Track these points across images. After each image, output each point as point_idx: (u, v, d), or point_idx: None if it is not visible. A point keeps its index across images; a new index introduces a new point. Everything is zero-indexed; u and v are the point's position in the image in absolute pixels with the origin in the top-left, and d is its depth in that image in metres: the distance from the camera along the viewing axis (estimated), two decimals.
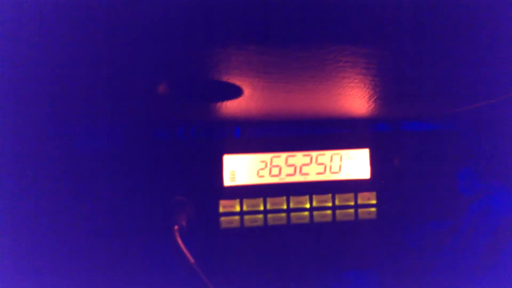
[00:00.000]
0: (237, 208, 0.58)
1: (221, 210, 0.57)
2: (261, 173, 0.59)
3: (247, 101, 0.40)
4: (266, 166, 0.59)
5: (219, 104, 0.42)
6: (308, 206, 0.59)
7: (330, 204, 0.59)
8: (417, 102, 0.51)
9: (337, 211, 0.59)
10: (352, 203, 0.59)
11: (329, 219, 0.59)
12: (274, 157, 0.59)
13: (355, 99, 0.40)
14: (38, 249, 0.51)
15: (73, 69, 0.30)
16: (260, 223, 0.58)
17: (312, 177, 0.59)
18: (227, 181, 0.58)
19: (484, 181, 0.59)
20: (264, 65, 0.28)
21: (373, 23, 0.22)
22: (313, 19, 0.21)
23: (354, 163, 0.59)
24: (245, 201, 0.58)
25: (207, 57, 0.27)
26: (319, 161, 0.59)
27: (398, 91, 0.41)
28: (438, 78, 0.37)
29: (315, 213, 0.59)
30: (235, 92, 0.35)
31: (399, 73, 0.33)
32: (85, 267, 0.52)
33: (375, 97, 0.39)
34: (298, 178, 0.59)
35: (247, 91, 0.35)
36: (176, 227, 0.48)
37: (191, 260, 0.45)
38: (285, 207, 0.59)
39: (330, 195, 0.59)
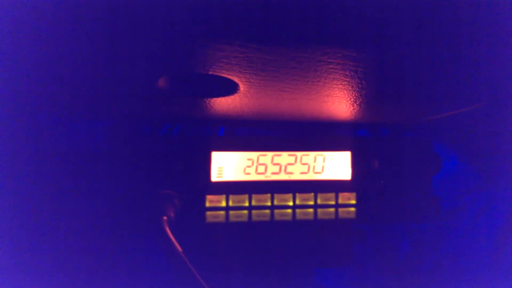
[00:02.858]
0: (223, 204, 0.60)
1: (207, 204, 0.59)
2: (247, 170, 0.61)
3: (241, 97, 0.42)
4: (252, 164, 0.61)
5: (212, 100, 0.44)
6: (291, 204, 0.61)
7: (312, 203, 0.62)
8: (398, 108, 0.54)
9: (319, 210, 0.62)
10: (333, 203, 0.62)
11: (311, 217, 0.62)
12: (261, 155, 0.61)
13: (342, 101, 0.43)
14: (28, 246, 0.52)
15: (64, 66, 0.32)
16: (244, 218, 0.60)
17: (296, 176, 0.62)
18: (215, 177, 0.60)
19: (461, 185, 0.63)
20: (262, 62, 0.30)
21: (365, 28, 0.25)
22: (312, 20, 0.24)
23: (336, 165, 0.62)
24: (231, 197, 0.60)
25: (204, 52, 0.29)
26: (303, 161, 0.62)
27: (382, 95, 0.44)
28: (420, 85, 0.41)
29: (297, 211, 0.61)
30: (231, 88, 0.37)
31: (384, 78, 0.36)
32: (76, 259, 0.53)
33: (360, 100, 0.42)
34: (283, 176, 0.61)
35: (242, 87, 0.37)
36: (164, 217, 0.50)
37: (179, 248, 0.46)
38: (269, 204, 0.61)
39: (312, 194, 0.62)
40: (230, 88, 0.38)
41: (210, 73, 0.34)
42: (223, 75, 0.34)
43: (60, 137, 0.57)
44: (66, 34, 0.26)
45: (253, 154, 0.61)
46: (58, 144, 0.56)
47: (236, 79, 0.35)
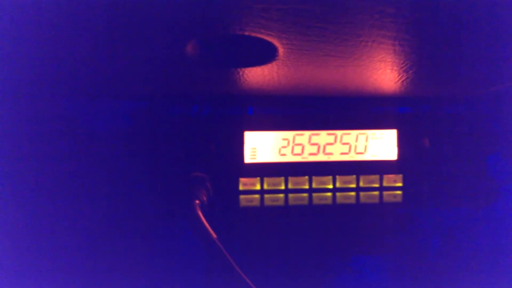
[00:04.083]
0: (258, 187, 0.56)
1: (241, 187, 0.55)
2: (283, 151, 0.56)
3: (279, 66, 0.37)
4: (288, 144, 0.57)
5: (247, 71, 0.40)
6: (331, 187, 0.57)
7: (354, 186, 0.57)
8: (448, 83, 0.48)
9: (361, 193, 0.57)
10: (377, 185, 0.57)
11: (353, 201, 0.57)
12: (297, 135, 0.56)
13: (394, 68, 0.37)
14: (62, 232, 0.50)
15: (81, 37, 0.28)
16: (280, 202, 0.56)
17: (336, 157, 0.57)
18: (248, 159, 0.56)
19: None
20: (308, 17, 0.26)
21: None
22: None
23: (380, 144, 0.57)
24: (265, 179, 0.56)
25: (241, 4, 0.24)
26: (344, 140, 0.57)
27: (434, 66, 0.38)
28: (472, 58, 0.35)
29: (338, 194, 0.57)
30: (270, 53, 0.33)
31: (443, 40, 0.31)
32: (108, 243, 0.51)
33: (410, 71, 0.37)
34: (321, 157, 0.57)
35: (282, 52, 0.33)
36: (197, 201, 0.46)
37: (213, 235, 0.43)
38: (307, 187, 0.56)
39: (354, 176, 0.57)
40: (268, 54, 0.33)
41: (247, 34, 0.29)
42: (262, 36, 0.29)
43: (86, 120, 0.54)
44: None
45: (289, 134, 0.56)
46: (84, 126, 0.54)
47: (276, 42, 0.31)
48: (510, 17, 0.26)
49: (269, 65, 0.37)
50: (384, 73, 0.39)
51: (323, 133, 0.57)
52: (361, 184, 0.57)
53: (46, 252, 0.50)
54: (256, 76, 0.42)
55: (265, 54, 0.33)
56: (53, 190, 0.51)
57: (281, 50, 0.32)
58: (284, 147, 0.56)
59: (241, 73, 0.41)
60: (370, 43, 0.30)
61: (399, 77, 0.41)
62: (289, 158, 0.56)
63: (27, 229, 0.50)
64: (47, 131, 0.52)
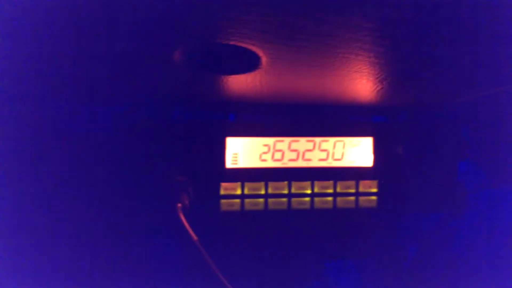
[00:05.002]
0: (238, 191, 0.57)
1: (222, 192, 0.56)
2: (263, 156, 0.58)
3: (262, 74, 0.39)
4: (269, 150, 0.58)
5: (230, 79, 0.41)
6: (309, 192, 0.58)
7: (331, 191, 0.59)
8: (421, 93, 0.51)
9: (338, 198, 0.59)
10: (353, 191, 0.59)
11: (330, 205, 0.59)
12: (278, 141, 0.58)
13: (371, 78, 0.40)
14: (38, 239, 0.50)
15: (67, 42, 0.29)
16: (260, 207, 0.57)
17: (315, 163, 0.59)
18: (229, 164, 0.57)
19: (487, 173, 0.59)
20: (292, 29, 0.27)
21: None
22: None
23: (356, 151, 0.59)
24: (246, 184, 0.57)
25: (228, 14, 0.26)
26: (322, 147, 0.59)
27: (408, 77, 0.41)
28: (444, 71, 0.37)
29: (316, 199, 0.59)
30: (253, 61, 0.34)
31: (410, 57, 0.33)
32: (88, 248, 0.51)
33: (390, 77, 0.39)
34: (300, 163, 0.58)
35: (266, 61, 0.34)
36: (179, 204, 0.47)
37: (194, 237, 0.44)
38: (286, 192, 0.58)
39: (331, 181, 0.59)
40: (252, 63, 0.35)
41: (232, 43, 0.31)
42: (246, 45, 0.31)
43: (68, 125, 0.54)
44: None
45: (270, 140, 0.58)
46: (66, 132, 0.54)
47: (259, 51, 0.32)
48: (484, 29, 0.28)
49: (252, 73, 0.38)
50: (361, 83, 0.42)
51: (302, 140, 0.59)
52: (338, 189, 0.59)
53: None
54: (239, 83, 0.43)
55: (249, 63, 0.35)
56: (36, 195, 0.51)
57: (264, 59, 0.34)
58: (265, 153, 0.58)
59: (224, 80, 0.42)
60: (347, 55, 0.32)
61: (375, 87, 0.43)
62: (270, 163, 0.58)
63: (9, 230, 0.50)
64: (29, 135, 0.52)
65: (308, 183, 0.58)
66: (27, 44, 0.30)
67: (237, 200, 0.57)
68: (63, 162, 0.52)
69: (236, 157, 0.57)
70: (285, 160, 0.58)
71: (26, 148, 0.51)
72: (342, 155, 0.59)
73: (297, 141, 0.58)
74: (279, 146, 0.58)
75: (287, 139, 0.58)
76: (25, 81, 0.41)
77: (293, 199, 0.58)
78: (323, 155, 0.59)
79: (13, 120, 0.51)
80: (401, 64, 0.36)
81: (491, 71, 0.39)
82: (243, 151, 0.57)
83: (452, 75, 0.40)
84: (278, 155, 0.58)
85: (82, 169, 0.53)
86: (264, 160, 0.58)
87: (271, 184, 0.58)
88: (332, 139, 0.59)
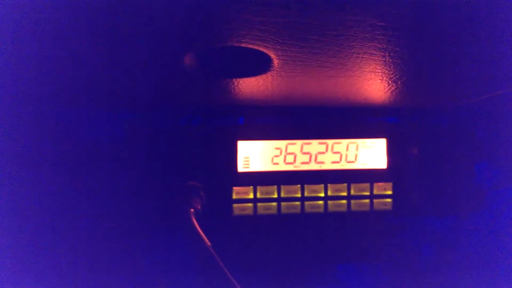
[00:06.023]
0: (251, 195, 0.56)
1: (234, 196, 0.56)
2: (275, 160, 0.57)
3: (273, 77, 0.38)
4: (281, 153, 0.57)
5: (241, 81, 0.41)
6: (322, 195, 0.58)
7: (345, 194, 0.58)
8: (436, 93, 0.50)
9: (352, 201, 0.58)
10: (368, 193, 0.58)
11: (344, 208, 0.58)
12: (289, 144, 0.58)
13: (384, 79, 0.39)
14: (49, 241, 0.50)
15: (77, 45, 0.29)
16: (273, 211, 0.57)
17: (328, 165, 0.58)
18: (241, 167, 0.56)
19: (503, 174, 0.58)
20: (304, 29, 0.27)
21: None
22: None
23: (370, 153, 0.58)
24: (258, 188, 0.57)
25: (240, 17, 0.25)
26: (335, 149, 0.58)
27: (424, 77, 0.40)
28: (460, 69, 0.36)
29: (329, 202, 0.58)
30: (265, 64, 0.34)
31: (427, 56, 0.32)
32: (102, 252, 0.51)
33: (399, 81, 0.38)
34: (313, 166, 0.58)
35: (277, 63, 0.34)
36: (192, 210, 0.47)
37: (208, 242, 0.43)
38: (299, 195, 0.57)
39: (345, 184, 0.58)
40: (264, 65, 0.34)
41: (243, 45, 0.30)
42: (258, 47, 0.30)
43: (81, 131, 0.55)
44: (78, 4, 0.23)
45: (281, 143, 0.57)
46: (80, 138, 0.54)
47: (271, 53, 0.32)
48: (496, 30, 0.28)
49: (263, 76, 0.38)
50: (374, 84, 0.41)
51: (314, 142, 0.58)
52: (352, 192, 0.58)
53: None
54: (251, 86, 0.43)
55: (261, 65, 0.34)
56: (50, 202, 0.51)
57: (276, 61, 0.34)
58: (276, 156, 0.57)
59: (236, 84, 0.42)
60: (361, 55, 0.32)
61: (389, 87, 0.42)
62: (282, 167, 0.57)
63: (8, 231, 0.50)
64: (39, 140, 0.52)
65: (321, 186, 0.58)
66: (46, 47, 0.30)
67: (250, 204, 0.56)
68: (76, 168, 0.52)
69: (248, 160, 0.57)
70: (298, 163, 0.58)
71: (47, 153, 0.51)
72: (356, 157, 0.58)
73: (309, 143, 0.58)
74: (291, 149, 0.58)
75: (299, 142, 0.58)
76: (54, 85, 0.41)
77: (306, 203, 0.57)
78: (336, 157, 0.58)
79: (31, 121, 0.51)
80: (418, 64, 0.35)
81: (507, 70, 0.38)
82: (255, 155, 0.57)
83: (468, 74, 0.39)
84: (290, 158, 0.58)
85: (96, 176, 0.53)
86: (276, 164, 0.57)
87: (283, 188, 0.57)
88: (345, 141, 0.58)
